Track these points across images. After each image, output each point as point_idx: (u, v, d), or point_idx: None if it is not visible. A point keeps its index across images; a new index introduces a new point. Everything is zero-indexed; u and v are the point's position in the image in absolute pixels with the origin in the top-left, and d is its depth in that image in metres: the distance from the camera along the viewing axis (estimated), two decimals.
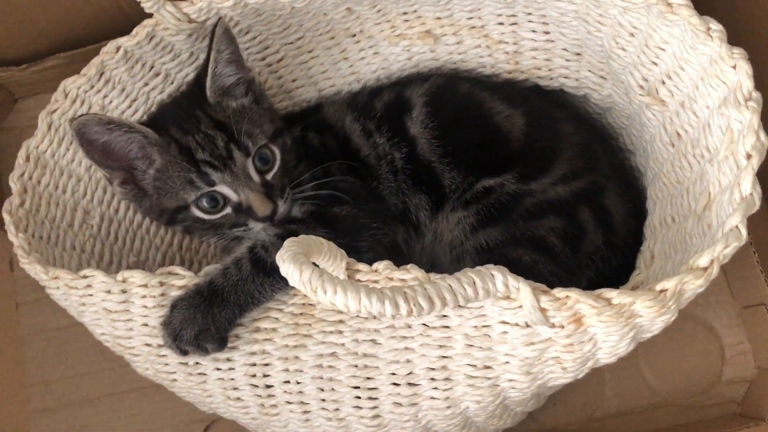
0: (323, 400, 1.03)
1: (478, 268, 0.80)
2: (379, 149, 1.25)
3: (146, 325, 1.04)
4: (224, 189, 1.11)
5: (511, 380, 0.94)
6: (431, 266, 1.23)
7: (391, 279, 0.92)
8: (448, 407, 0.99)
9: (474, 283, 0.78)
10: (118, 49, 1.22)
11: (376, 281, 0.92)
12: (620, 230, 1.16)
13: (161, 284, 1.02)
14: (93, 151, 1.10)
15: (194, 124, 1.13)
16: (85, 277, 1.03)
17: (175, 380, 1.09)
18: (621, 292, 0.80)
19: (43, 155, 1.21)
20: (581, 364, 0.90)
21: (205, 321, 0.99)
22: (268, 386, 1.04)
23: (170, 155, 1.12)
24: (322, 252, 0.83)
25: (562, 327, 0.83)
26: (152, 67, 1.28)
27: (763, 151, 0.84)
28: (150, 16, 1.18)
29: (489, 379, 0.94)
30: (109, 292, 1.03)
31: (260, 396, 1.05)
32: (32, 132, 1.22)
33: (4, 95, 1.65)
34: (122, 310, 1.04)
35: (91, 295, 1.04)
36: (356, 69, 1.41)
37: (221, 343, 1.01)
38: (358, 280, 0.92)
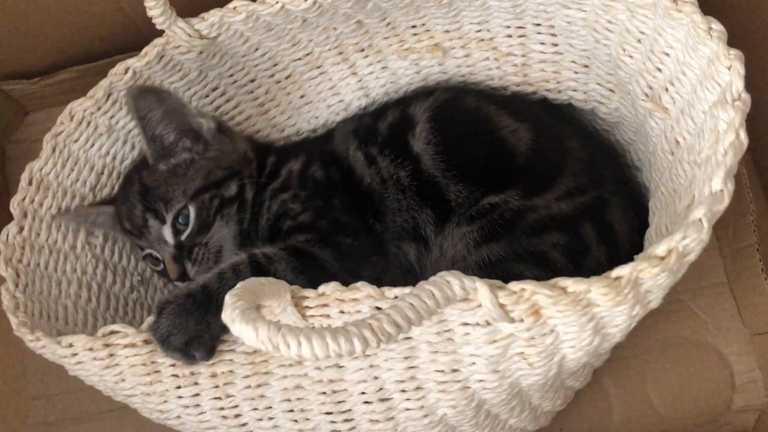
0: (300, 430, 1.04)
1: (433, 278, 0.82)
2: (383, 172, 1.28)
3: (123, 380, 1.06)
4: (152, 251, 1.25)
5: (480, 380, 0.95)
6: None
7: (343, 300, 0.92)
8: (425, 416, 1.01)
9: (433, 294, 0.79)
10: (126, 70, 1.25)
11: (325, 304, 0.93)
12: (624, 246, 1.18)
13: (106, 345, 1.03)
14: (92, 227, 1.32)
15: (127, 192, 1.27)
16: (38, 339, 1.05)
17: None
18: (576, 280, 0.81)
19: (46, 177, 1.24)
20: (547, 359, 0.91)
21: (199, 328, 1.00)
22: (243, 425, 1.06)
23: (117, 224, 1.29)
24: (264, 292, 0.82)
25: (522, 321, 0.85)
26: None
27: (740, 150, 0.85)
28: (161, 32, 1.22)
29: (458, 381, 0.96)
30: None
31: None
32: (41, 145, 1.26)
33: (15, 108, 1.69)
34: (80, 369, 1.06)
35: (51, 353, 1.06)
36: (365, 83, 1.44)
37: (210, 352, 1.01)
38: (307, 307, 0.93)
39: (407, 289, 0.87)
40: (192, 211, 1.22)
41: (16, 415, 1.49)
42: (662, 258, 0.81)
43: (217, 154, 1.28)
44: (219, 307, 0.96)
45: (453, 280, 0.82)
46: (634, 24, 1.10)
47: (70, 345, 1.03)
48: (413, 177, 1.26)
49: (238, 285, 0.78)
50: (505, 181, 1.20)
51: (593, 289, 0.82)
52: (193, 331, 1.00)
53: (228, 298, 0.74)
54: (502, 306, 0.84)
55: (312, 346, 0.69)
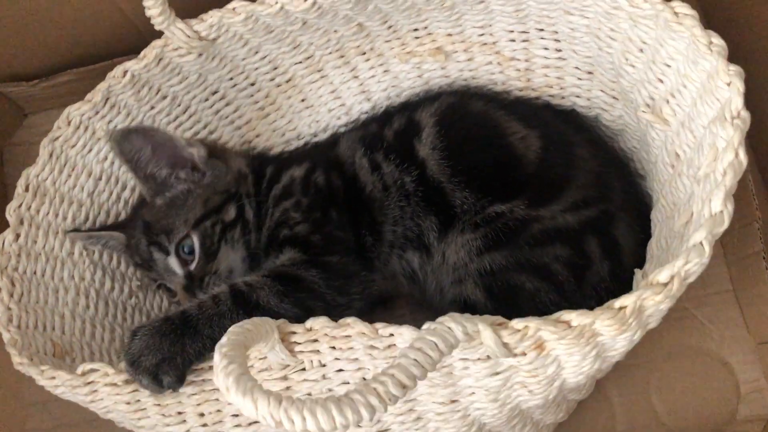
0: None
1: (432, 326, 0.80)
2: (386, 178, 1.27)
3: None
4: (158, 279, 1.27)
5: (479, 409, 0.95)
6: (440, 290, 1.26)
7: (334, 338, 0.90)
8: None
9: (436, 346, 0.77)
10: (125, 73, 1.25)
11: (315, 340, 0.91)
12: (628, 262, 1.16)
13: (87, 383, 1.00)
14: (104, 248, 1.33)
15: (133, 228, 1.27)
16: (20, 363, 1.03)
17: None
18: (580, 314, 0.81)
19: (43, 183, 1.25)
20: (547, 386, 0.91)
21: (172, 350, 0.97)
22: None
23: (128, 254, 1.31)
24: (252, 339, 0.80)
25: (525, 354, 0.84)
26: (159, 90, 1.32)
27: (739, 170, 0.84)
28: (160, 35, 1.22)
29: (458, 411, 0.96)
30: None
31: None
32: (39, 148, 1.26)
33: (14, 110, 1.69)
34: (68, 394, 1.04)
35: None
36: (366, 87, 1.44)
37: (180, 380, 0.97)
38: (296, 343, 0.91)
39: (402, 329, 0.86)
40: (196, 240, 1.21)
41: (13, 422, 1.49)
42: (665, 284, 0.81)
43: (212, 180, 1.27)
44: (197, 331, 0.99)
45: (455, 326, 0.80)
46: (637, 33, 1.09)
47: (52, 378, 1.01)
48: (419, 182, 1.25)
49: (225, 339, 0.76)
50: (512, 189, 1.20)
51: (598, 322, 0.81)
52: (166, 351, 0.97)
53: (218, 360, 0.71)
54: (505, 344, 0.83)
55: (317, 420, 0.67)
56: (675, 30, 0.98)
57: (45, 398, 1.48)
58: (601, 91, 1.30)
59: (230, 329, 0.78)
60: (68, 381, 0.99)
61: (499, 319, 0.84)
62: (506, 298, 1.13)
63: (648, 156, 1.21)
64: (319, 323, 0.90)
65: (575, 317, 0.81)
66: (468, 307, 1.15)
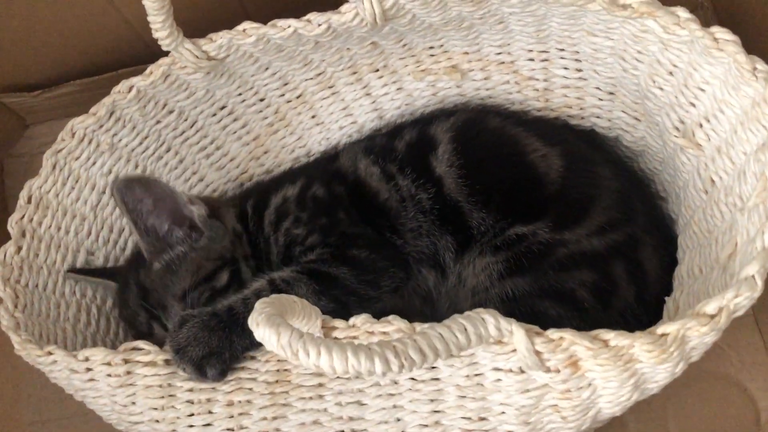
0: None
1: (468, 312, 0.79)
2: (403, 191, 1.25)
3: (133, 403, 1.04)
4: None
5: (509, 431, 0.93)
6: (452, 311, 1.20)
7: (372, 333, 0.91)
8: None
9: (465, 329, 0.76)
10: (130, 89, 1.23)
11: (354, 337, 0.92)
12: (654, 286, 1.15)
13: (125, 361, 1.02)
14: None
15: (126, 296, 1.23)
16: (50, 353, 1.03)
17: None
18: (619, 334, 0.79)
19: (45, 195, 1.23)
20: (582, 413, 0.89)
21: (221, 345, 1.00)
22: None
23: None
24: (295, 311, 0.81)
25: (558, 371, 0.83)
26: (165, 105, 1.30)
27: None
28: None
29: (486, 431, 0.94)
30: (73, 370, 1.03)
31: None
32: (41, 159, 1.24)
33: (15, 121, 1.67)
34: (90, 388, 1.05)
35: (60, 370, 1.05)
36: (379, 105, 1.42)
37: (222, 374, 1.01)
38: (336, 338, 0.92)
39: (437, 324, 0.84)
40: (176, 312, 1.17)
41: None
42: (712, 316, 0.79)
43: (208, 243, 1.22)
44: (244, 329, 0.98)
45: (489, 319, 0.79)
46: (667, 57, 1.08)
47: (87, 359, 1.02)
48: (435, 200, 1.23)
49: (271, 296, 0.78)
50: (533, 210, 1.18)
51: (637, 345, 0.79)
52: (214, 346, 1.00)
53: (257, 304, 0.74)
54: (538, 353, 0.82)
55: (331, 357, 0.69)
56: (715, 56, 0.97)
57: (43, 418, 1.49)
58: (623, 112, 1.29)
59: (278, 295, 0.80)
60: (107, 358, 1.01)
61: (535, 328, 0.82)
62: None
63: (674, 179, 1.20)
64: (361, 320, 0.92)
65: (614, 336, 0.80)
66: None
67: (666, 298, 1.09)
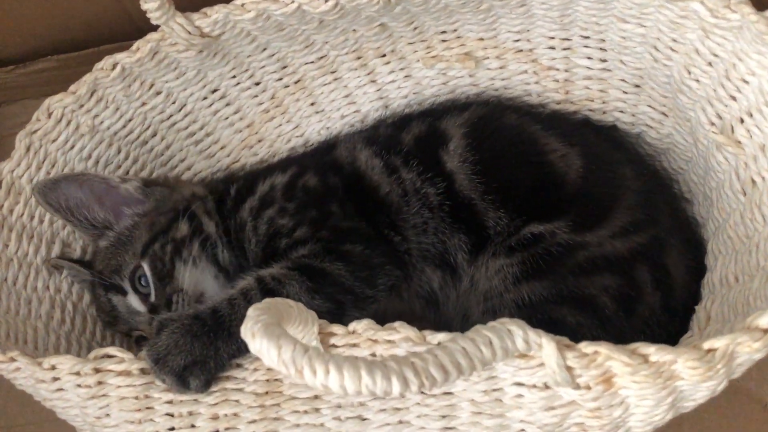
0: None
1: (492, 324, 0.74)
2: (406, 184, 1.21)
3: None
4: (127, 331, 1.21)
5: None
6: (463, 318, 1.20)
7: (375, 341, 0.85)
8: None
9: (491, 342, 0.71)
10: (114, 66, 1.18)
11: (356, 344, 0.86)
12: (680, 293, 1.12)
13: (96, 371, 0.95)
14: None
15: (93, 290, 1.23)
16: (12, 359, 0.97)
17: None
18: (660, 348, 0.73)
19: (18, 180, 1.18)
20: None
21: (205, 353, 0.94)
22: None
23: None
24: (291, 317, 0.76)
25: (589, 388, 0.77)
26: (153, 86, 1.25)
27: None
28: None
29: None
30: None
31: None
32: (14, 142, 1.19)
33: None
34: (58, 398, 0.99)
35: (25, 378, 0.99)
36: (384, 93, 1.38)
37: (207, 384, 0.95)
38: (334, 345, 0.86)
39: (453, 335, 0.78)
40: (146, 266, 1.16)
41: None
42: (766, 330, 0.73)
43: (156, 204, 1.23)
44: (230, 333, 0.95)
45: (516, 330, 0.73)
46: (707, 45, 1.03)
47: (53, 367, 0.95)
48: (445, 196, 1.19)
49: (264, 300, 0.73)
50: (552, 210, 1.14)
51: (680, 361, 0.73)
52: (198, 354, 0.94)
53: (251, 311, 0.69)
54: (569, 369, 0.76)
55: (342, 376, 0.63)
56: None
57: (10, 423, 1.46)
58: (649, 106, 1.25)
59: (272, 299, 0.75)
60: (75, 367, 0.94)
61: (566, 340, 0.76)
62: None
63: (703, 180, 1.16)
64: (362, 326, 0.86)
65: (655, 351, 0.74)
66: None
67: (696, 308, 1.05)
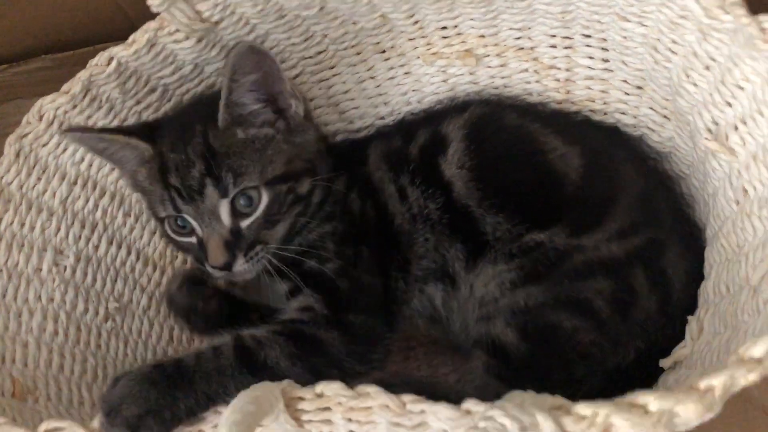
0: None
1: (482, 423, 0.71)
2: (413, 208, 1.20)
3: None
4: (190, 219, 1.11)
5: None
6: (464, 327, 1.19)
7: (352, 409, 0.80)
8: None
9: None
10: (110, 60, 1.15)
11: (327, 408, 0.81)
12: (678, 296, 1.10)
13: None
14: (96, 153, 1.17)
15: (186, 142, 1.11)
16: None
17: None
18: (659, 397, 0.71)
19: (7, 187, 1.15)
20: None
21: (161, 402, 0.89)
22: None
23: (152, 168, 1.13)
24: (256, 420, 0.74)
25: None
26: (148, 83, 1.22)
27: None
28: (150, 19, 1.12)
29: None
30: None
31: None
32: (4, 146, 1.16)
33: None
34: None
35: None
36: (384, 90, 1.38)
37: None
38: (303, 410, 0.81)
39: (437, 406, 0.76)
40: (266, 198, 1.10)
41: None
42: (760, 360, 0.72)
43: (302, 142, 1.16)
44: (191, 384, 0.93)
45: (509, 424, 0.70)
46: (705, 48, 1.01)
47: None
48: (444, 209, 1.18)
49: (228, 418, 0.69)
50: (551, 214, 1.13)
51: (680, 406, 0.71)
52: (153, 403, 0.89)
53: (235, 401, 0.69)
54: None
55: None
56: (759, 48, 0.90)
57: None
58: (651, 108, 1.23)
59: (230, 416, 0.71)
60: None
61: (559, 400, 0.74)
62: (541, 339, 1.06)
63: (703, 186, 1.14)
64: (331, 389, 0.80)
65: (653, 401, 0.71)
66: (497, 349, 1.07)
67: (689, 318, 1.04)
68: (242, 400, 0.72)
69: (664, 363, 1.04)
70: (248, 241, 1.09)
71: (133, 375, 0.92)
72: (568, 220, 1.12)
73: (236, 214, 1.09)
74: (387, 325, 1.14)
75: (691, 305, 1.09)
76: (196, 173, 1.08)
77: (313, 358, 1.00)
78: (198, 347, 0.97)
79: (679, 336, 1.06)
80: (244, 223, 1.09)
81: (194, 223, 1.10)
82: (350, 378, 0.96)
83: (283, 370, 0.93)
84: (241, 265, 1.09)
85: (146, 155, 1.13)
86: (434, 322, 1.22)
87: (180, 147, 1.10)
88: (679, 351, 1.02)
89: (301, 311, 1.09)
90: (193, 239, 1.12)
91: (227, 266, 1.08)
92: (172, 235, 1.15)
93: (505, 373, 1.05)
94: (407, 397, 0.78)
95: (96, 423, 0.88)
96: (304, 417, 0.82)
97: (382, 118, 1.39)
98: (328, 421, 0.81)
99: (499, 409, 0.70)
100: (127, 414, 0.88)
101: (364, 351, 1.06)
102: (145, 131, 1.14)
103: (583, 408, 0.72)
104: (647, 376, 1.04)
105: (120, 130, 1.16)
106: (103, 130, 1.16)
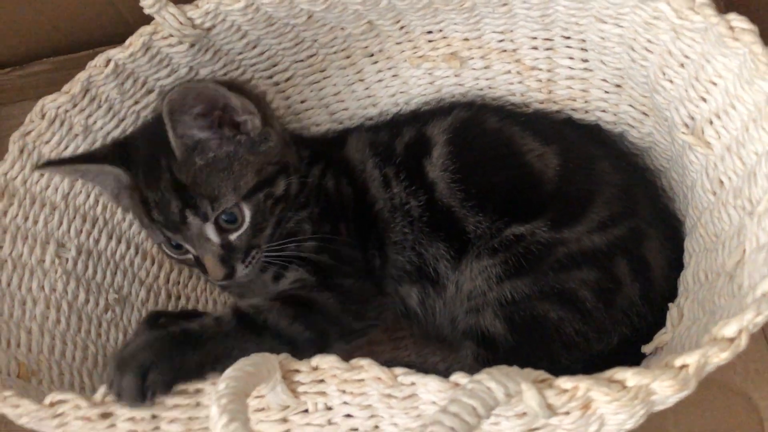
0: None
1: (470, 385, 0.74)
2: (395, 200, 1.24)
3: None
4: (181, 242, 1.16)
5: None
6: (452, 322, 1.22)
7: (345, 381, 0.82)
8: None
9: (474, 410, 0.71)
10: (107, 62, 1.18)
11: (321, 380, 0.83)
12: (659, 284, 1.14)
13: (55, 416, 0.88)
14: (81, 179, 1.23)
15: (156, 178, 1.14)
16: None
17: None
18: (636, 373, 0.75)
19: (12, 182, 1.18)
20: None
21: (172, 353, 0.90)
22: None
23: (134, 198, 1.17)
24: (252, 382, 0.76)
25: (568, 413, 0.78)
26: (145, 84, 1.25)
27: None
28: (148, 22, 1.16)
29: None
30: None
31: None
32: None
33: None
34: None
35: None
36: (372, 92, 1.40)
37: (168, 385, 0.87)
38: (299, 382, 0.84)
39: (427, 378, 0.78)
40: (248, 211, 1.14)
41: None
42: (732, 340, 0.75)
43: (266, 149, 1.19)
44: (199, 344, 0.92)
45: (495, 387, 0.73)
46: (678, 47, 1.04)
47: (16, 406, 0.90)
48: (426, 207, 1.22)
49: (223, 387, 0.71)
50: (531, 210, 1.16)
51: (656, 382, 0.75)
52: (164, 354, 0.89)
53: (216, 414, 0.69)
54: (549, 405, 0.77)
55: None
56: (729, 46, 0.93)
57: None
58: (630, 105, 1.27)
59: (228, 372, 0.74)
60: (34, 412, 0.89)
61: (542, 374, 0.77)
62: (529, 330, 1.10)
63: (682, 179, 1.17)
64: (326, 362, 0.82)
65: (631, 377, 0.75)
66: (486, 339, 1.11)
67: (669, 305, 1.07)
68: (243, 362, 0.75)
69: (645, 348, 1.06)
70: (242, 250, 1.14)
71: (142, 337, 0.93)
72: (548, 215, 1.15)
73: (223, 230, 1.13)
74: (378, 291, 1.18)
75: (671, 294, 1.12)
76: (175, 208, 1.13)
77: (311, 316, 1.03)
78: (202, 320, 0.98)
79: (660, 323, 1.08)
80: (233, 236, 1.14)
81: (187, 246, 1.15)
82: (348, 335, 1.09)
83: (283, 329, 0.95)
84: (242, 272, 1.15)
85: (123, 180, 1.17)
86: (410, 319, 1.25)
87: (153, 184, 1.14)
88: (661, 337, 1.05)
89: (292, 284, 1.13)
90: (190, 256, 1.16)
91: (228, 277, 1.14)
92: (170, 255, 1.20)
93: (493, 362, 1.04)
94: (399, 370, 0.80)
95: (99, 395, 0.88)
96: (300, 389, 0.84)
97: (371, 119, 1.42)
98: (323, 393, 0.84)
99: (486, 374, 0.74)
100: (138, 360, 0.87)
101: (358, 308, 1.12)
102: (118, 153, 1.17)
103: (565, 382, 0.75)
104: (629, 362, 1.05)
105: (92, 158, 1.19)
106: (74, 159, 1.19)
